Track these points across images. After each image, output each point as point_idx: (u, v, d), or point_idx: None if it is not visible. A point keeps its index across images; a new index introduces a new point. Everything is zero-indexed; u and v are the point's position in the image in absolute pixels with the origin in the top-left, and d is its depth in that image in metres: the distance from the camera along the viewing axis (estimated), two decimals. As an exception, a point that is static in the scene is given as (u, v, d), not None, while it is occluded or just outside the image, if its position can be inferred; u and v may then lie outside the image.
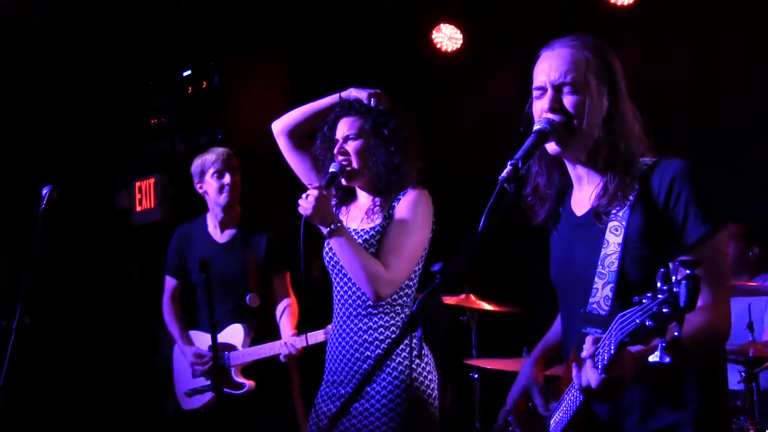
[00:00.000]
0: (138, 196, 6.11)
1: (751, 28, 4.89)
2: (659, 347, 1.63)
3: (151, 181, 6.02)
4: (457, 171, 6.00)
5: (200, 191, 4.18)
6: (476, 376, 4.78)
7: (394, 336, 2.97)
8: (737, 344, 3.91)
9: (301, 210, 2.80)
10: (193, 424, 4.24)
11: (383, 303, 2.95)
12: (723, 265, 2.04)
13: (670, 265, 1.59)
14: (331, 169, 2.95)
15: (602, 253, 2.08)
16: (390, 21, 6.15)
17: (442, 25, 5.99)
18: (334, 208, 3.05)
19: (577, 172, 2.22)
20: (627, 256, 2.05)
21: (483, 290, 4.81)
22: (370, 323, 2.98)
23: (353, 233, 2.97)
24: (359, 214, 3.07)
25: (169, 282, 4.40)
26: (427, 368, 3.01)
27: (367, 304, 2.97)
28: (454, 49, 6.02)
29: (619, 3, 5.12)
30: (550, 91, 2.13)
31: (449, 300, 4.71)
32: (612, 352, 1.76)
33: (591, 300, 2.10)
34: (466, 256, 1.86)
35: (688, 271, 1.55)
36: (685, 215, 2.01)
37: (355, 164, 2.98)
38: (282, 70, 5.96)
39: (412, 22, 6.11)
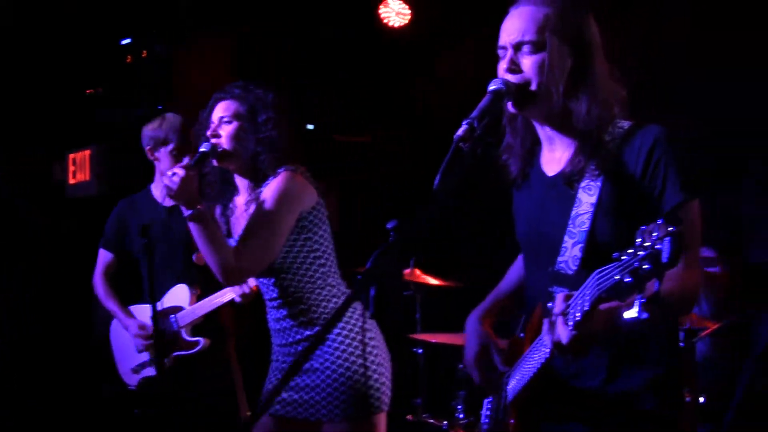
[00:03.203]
0: (72, 168, 5.95)
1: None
2: (637, 303, 1.62)
3: (86, 153, 5.86)
4: (406, 150, 6.00)
5: (150, 158, 4.10)
6: (420, 350, 4.78)
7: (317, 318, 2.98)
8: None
9: (165, 189, 2.79)
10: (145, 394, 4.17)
11: (287, 294, 2.97)
12: (696, 232, 2.05)
13: (652, 222, 1.57)
14: (201, 149, 2.92)
15: (574, 212, 2.08)
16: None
17: (389, 0, 5.93)
18: (218, 207, 3.09)
19: (545, 132, 2.20)
20: (599, 217, 2.04)
21: (428, 264, 4.80)
22: (284, 312, 3.01)
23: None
24: (241, 213, 3.06)
25: (104, 256, 4.27)
26: (372, 342, 3.01)
27: (271, 296, 3.01)
28: (402, 24, 5.97)
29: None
30: (509, 51, 2.10)
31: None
32: (587, 308, 1.75)
33: (559, 259, 2.09)
34: (422, 215, 1.84)
35: (671, 228, 1.54)
36: (664, 181, 2.00)
37: (226, 146, 2.96)
38: (227, 41, 5.84)
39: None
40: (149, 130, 4.09)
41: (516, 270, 2.51)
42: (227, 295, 3.85)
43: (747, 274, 4.53)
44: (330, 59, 6.19)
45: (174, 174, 2.75)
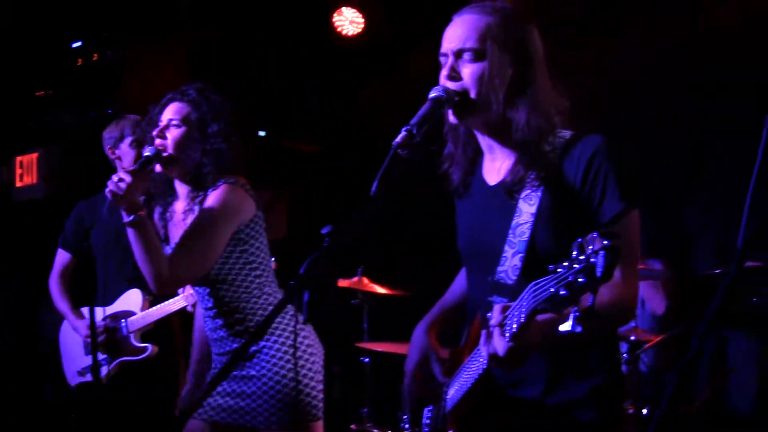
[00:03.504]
0: (19, 171, 5.85)
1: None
2: (571, 317, 1.61)
3: (34, 156, 5.77)
4: (356, 156, 5.99)
5: (111, 157, 4.06)
6: (366, 359, 4.76)
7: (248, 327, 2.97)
8: (620, 330, 4.03)
9: (108, 192, 2.73)
10: (86, 399, 4.10)
11: (223, 304, 2.95)
12: (635, 243, 2.05)
13: (588, 235, 1.56)
14: (146, 153, 2.89)
15: (514, 222, 2.07)
16: (290, 3, 6.06)
17: (343, 9, 5.93)
18: (158, 209, 3.08)
19: (486, 142, 2.19)
20: (539, 227, 2.03)
21: (376, 273, 4.79)
22: (220, 321, 2.99)
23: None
24: (178, 221, 3.05)
25: (62, 256, 4.23)
26: (309, 350, 3.01)
27: (207, 305, 2.99)
28: (356, 33, 5.97)
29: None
30: (450, 58, 2.10)
31: (342, 283, 4.68)
32: (523, 320, 1.74)
33: (499, 269, 2.08)
34: (358, 221, 1.82)
35: (606, 242, 1.53)
36: (603, 192, 2.00)
37: (171, 151, 2.91)
38: (179, 45, 5.79)
39: (312, 5, 6.03)
40: (107, 132, 4.08)
41: (461, 280, 2.50)
42: (179, 303, 3.83)
43: (692, 285, 4.60)
44: (283, 66, 6.17)
45: (120, 180, 2.71)
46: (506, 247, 2.07)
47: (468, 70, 2.07)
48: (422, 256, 5.25)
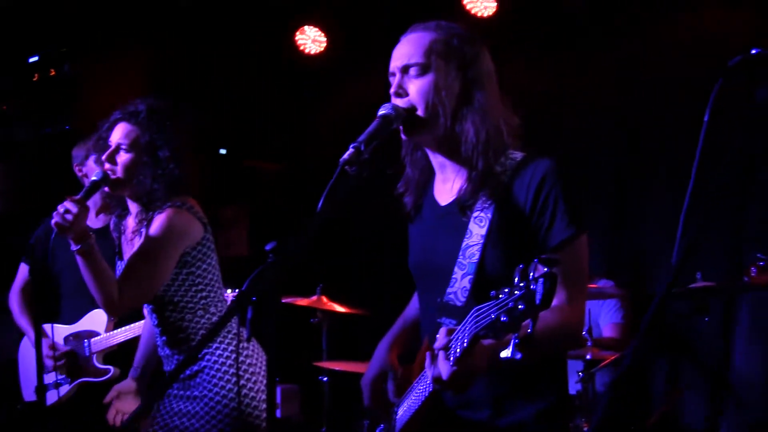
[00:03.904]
0: (-29, 187, 5.75)
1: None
2: (512, 343, 1.63)
3: (-12, 170, 5.68)
4: (317, 175, 5.97)
5: (79, 174, 4.02)
6: (325, 379, 4.72)
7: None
8: (576, 348, 4.05)
9: (53, 223, 2.70)
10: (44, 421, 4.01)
11: (167, 324, 2.95)
12: (582, 267, 2.06)
13: (530, 261, 1.58)
14: (93, 177, 2.86)
15: (464, 243, 2.07)
16: (253, 21, 6.05)
17: (305, 27, 5.94)
18: (113, 219, 3.07)
19: (437, 160, 2.20)
20: (488, 249, 2.04)
21: (335, 292, 4.77)
22: (165, 339, 2.99)
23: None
24: (129, 239, 3.04)
25: (25, 270, 4.17)
26: (251, 369, 3.00)
27: (154, 323, 2.99)
28: (318, 51, 5.98)
29: (479, 14, 5.23)
30: (397, 76, 2.12)
31: (301, 301, 4.65)
32: (465, 345, 1.75)
33: (449, 290, 2.08)
34: (303, 236, 1.81)
35: (545, 269, 1.55)
36: (552, 216, 2.01)
37: (120, 175, 2.88)
38: (139, 61, 5.75)
39: (275, 24, 6.03)
40: (75, 150, 4.05)
41: (415, 301, 2.50)
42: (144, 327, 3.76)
43: (647, 303, 4.63)
44: (245, 83, 6.16)
45: (67, 211, 2.68)
46: (456, 269, 2.08)
47: (414, 86, 2.09)
48: (381, 274, 5.23)
